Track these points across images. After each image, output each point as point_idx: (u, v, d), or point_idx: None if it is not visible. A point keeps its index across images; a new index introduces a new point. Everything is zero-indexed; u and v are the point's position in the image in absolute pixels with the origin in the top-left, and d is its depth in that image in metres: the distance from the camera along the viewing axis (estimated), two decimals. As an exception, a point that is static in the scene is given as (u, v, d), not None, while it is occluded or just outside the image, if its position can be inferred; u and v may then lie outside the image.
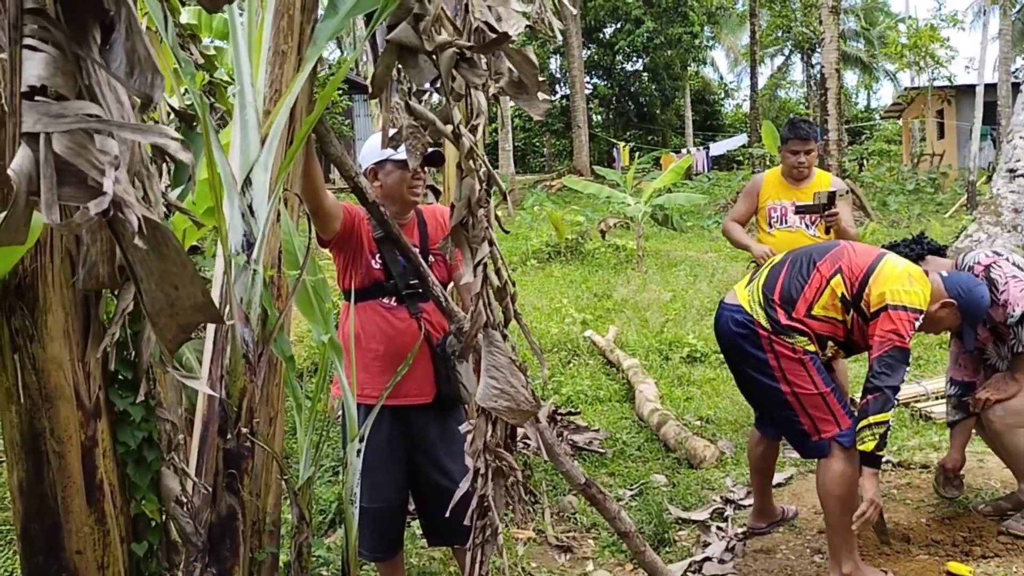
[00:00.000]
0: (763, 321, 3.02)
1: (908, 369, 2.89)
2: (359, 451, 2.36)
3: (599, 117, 38.09)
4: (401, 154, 2.78)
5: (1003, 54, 23.19)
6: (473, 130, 2.27)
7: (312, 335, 2.48)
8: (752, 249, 4.39)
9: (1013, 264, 3.20)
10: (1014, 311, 3.05)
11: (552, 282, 10.65)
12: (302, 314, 2.25)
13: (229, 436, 1.92)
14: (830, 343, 3.04)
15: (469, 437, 2.31)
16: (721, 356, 6.84)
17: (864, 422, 2.86)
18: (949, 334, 3.44)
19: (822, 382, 2.99)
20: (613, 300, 9.20)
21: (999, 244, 8.04)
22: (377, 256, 2.85)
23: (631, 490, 4.34)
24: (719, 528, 3.69)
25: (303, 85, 2.08)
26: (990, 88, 21.25)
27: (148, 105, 1.14)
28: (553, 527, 3.99)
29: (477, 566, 2.30)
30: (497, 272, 2.36)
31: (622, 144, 29.01)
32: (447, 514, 2.34)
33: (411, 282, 2.81)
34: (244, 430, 1.91)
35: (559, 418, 5.21)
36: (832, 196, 4.06)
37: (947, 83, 27.66)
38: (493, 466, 2.30)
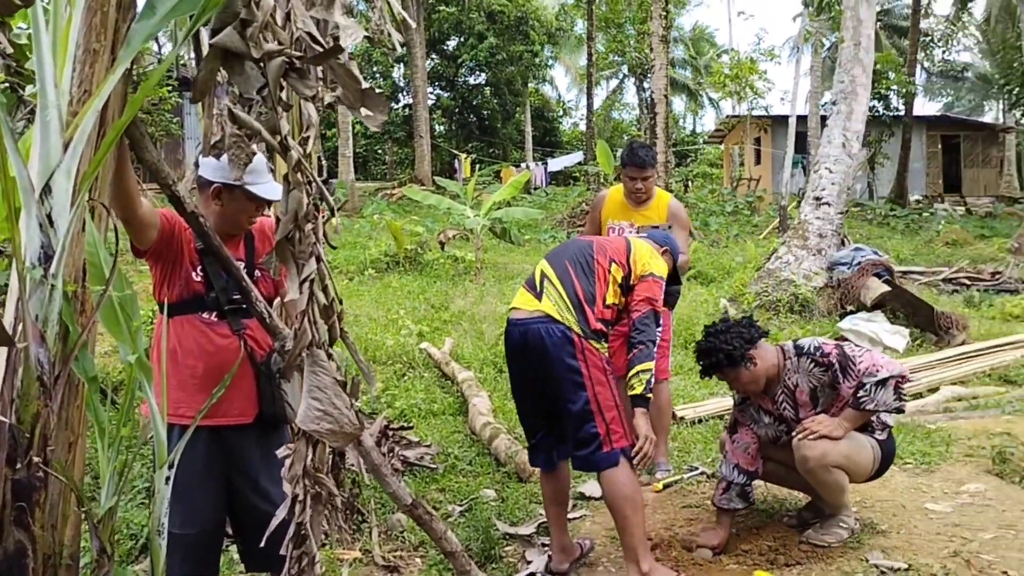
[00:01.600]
0: (575, 327, 3.17)
1: (659, 329, 3.38)
2: (168, 478, 2.22)
3: (442, 127, 38.22)
4: (260, 190, 2.66)
5: (813, 88, 25.18)
6: (303, 142, 2.21)
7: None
8: None
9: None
10: (877, 373, 3.26)
11: (389, 293, 10.54)
12: (108, 332, 2.09)
13: (19, 466, 1.75)
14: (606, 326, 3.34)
15: (287, 462, 2.22)
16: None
17: (634, 370, 3.22)
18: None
19: (618, 396, 3.24)
20: (450, 312, 9.22)
21: (805, 267, 8.68)
22: (198, 268, 2.71)
23: (460, 505, 4.33)
24: (544, 544, 3.74)
25: (115, 87, 1.95)
26: (802, 119, 22.99)
27: None
28: (380, 546, 3.92)
29: (294, 596, 2.21)
30: (324, 289, 2.29)
31: (464, 155, 29.21)
32: (264, 542, 2.24)
33: (234, 296, 2.69)
34: (36, 459, 1.75)
35: (391, 433, 5.13)
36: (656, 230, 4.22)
37: (764, 113, 29.68)
38: (312, 492, 2.23)
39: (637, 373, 3.22)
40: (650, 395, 3.27)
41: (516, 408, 3.61)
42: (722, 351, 3.34)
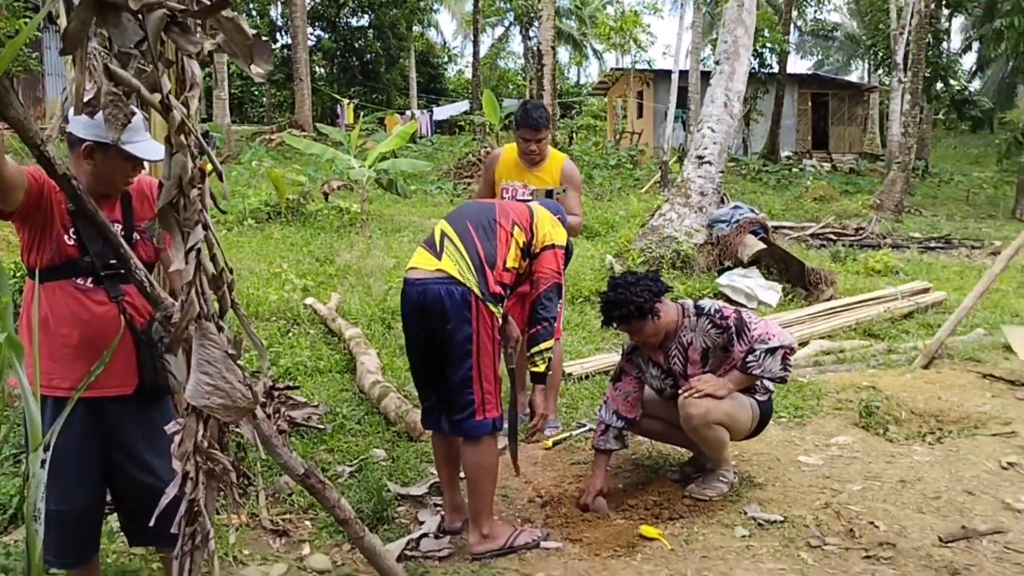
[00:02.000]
0: (475, 288, 3.13)
1: (561, 301, 3.37)
2: (43, 461, 2.10)
3: (322, 70, 37.04)
4: (138, 149, 2.48)
5: (694, 43, 25.68)
6: (186, 102, 2.08)
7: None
8: None
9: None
10: (769, 340, 3.42)
11: (271, 244, 10.23)
12: (-27, 307, 1.93)
13: None
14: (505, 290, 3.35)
15: (177, 438, 2.13)
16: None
17: (536, 349, 3.30)
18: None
19: (499, 367, 3.27)
20: (336, 266, 9.03)
21: (687, 224, 8.92)
22: (71, 231, 2.53)
23: (350, 466, 4.29)
24: (436, 504, 3.75)
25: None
26: (684, 74, 23.43)
27: None
28: (268, 510, 3.85)
29: (186, 574, 2.14)
30: (212, 259, 2.19)
31: (346, 101, 28.45)
32: (152, 520, 2.15)
33: (111, 261, 2.53)
34: None
35: (276, 393, 5.02)
36: (549, 194, 4.20)
37: (647, 66, 30.11)
38: (204, 468, 2.15)
39: (540, 352, 3.28)
40: (550, 372, 3.34)
41: (411, 370, 3.56)
42: (632, 303, 3.41)
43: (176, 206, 2.08)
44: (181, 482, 2.12)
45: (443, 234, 3.29)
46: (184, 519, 2.14)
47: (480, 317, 3.15)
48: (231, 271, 2.24)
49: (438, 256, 3.21)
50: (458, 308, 3.13)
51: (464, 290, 3.13)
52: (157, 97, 1.98)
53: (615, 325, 3.57)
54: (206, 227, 2.15)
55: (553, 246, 3.33)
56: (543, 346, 3.28)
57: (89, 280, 2.55)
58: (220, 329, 2.17)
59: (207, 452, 2.15)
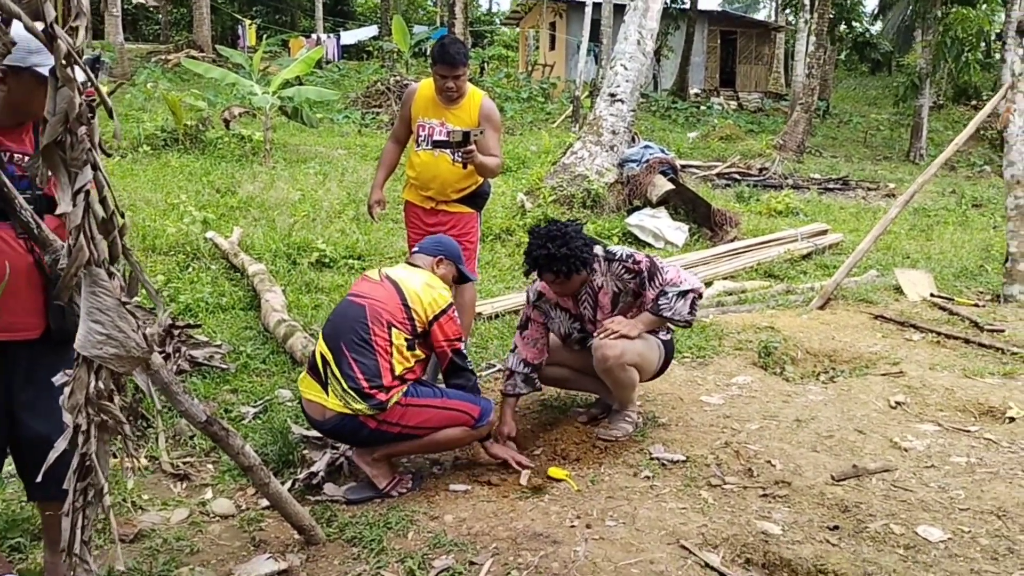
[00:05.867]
0: (368, 411, 3.16)
1: (471, 361, 3.50)
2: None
3: (222, -12, 35.18)
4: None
5: (608, -24, 25.35)
6: (72, 32, 1.92)
7: None
8: (372, 193, 4.64)
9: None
10: (680, 284, 3.45)
11: (168, 173, 9.80)
12: None
13: None
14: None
15: (67, 390, 2.02)
16: (350, 261, 6.85)
17: None
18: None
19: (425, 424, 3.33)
20: (238, 198, 8.72)
21: (598, 163, 8.93)
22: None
23: (255, 407, 4.20)
24: (332, 445, 3.68)
25: None
26: (597, 6, 23.18)
27: None
28: (168, 452, 3.74)
29: (78, 531, 2.05)
30: (103, 202, 2.05)
31: (248, 21, 27.22)
32: (40, 476, 2.04)
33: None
34: None
35: (176, 332, 4.84)
36: (467, 136, 4.05)
37: (560, -3, 29.71)
38: (96, 421, 2.05)
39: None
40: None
41: None
42: (577, 257, 3.38)
43: (62, 144, 1.94)
44: (72, 435, 2.02)
45: (323, 359, 3.27)
46: (76, 474, 2.04)
47: (383, 422, 3.21)
48: (122, 215, 2.12)
49: (324, 387, 3.24)
50: (356, 431, 3.23)
51: (358, 420, 3.19)
52: (40, 26, 1.82)
53: (551, 276, 3.49)
54: (95, 167, 2.01)
55: (442, 314, 3.29)
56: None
57: None
58: (111, 276, 2.06)
59: (99, 404, 2.05)
